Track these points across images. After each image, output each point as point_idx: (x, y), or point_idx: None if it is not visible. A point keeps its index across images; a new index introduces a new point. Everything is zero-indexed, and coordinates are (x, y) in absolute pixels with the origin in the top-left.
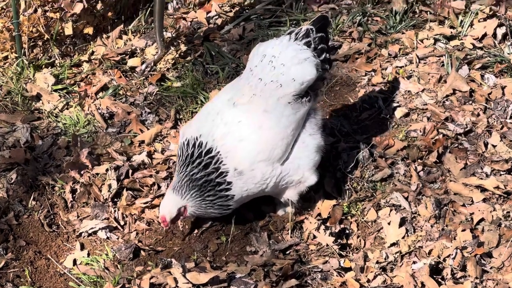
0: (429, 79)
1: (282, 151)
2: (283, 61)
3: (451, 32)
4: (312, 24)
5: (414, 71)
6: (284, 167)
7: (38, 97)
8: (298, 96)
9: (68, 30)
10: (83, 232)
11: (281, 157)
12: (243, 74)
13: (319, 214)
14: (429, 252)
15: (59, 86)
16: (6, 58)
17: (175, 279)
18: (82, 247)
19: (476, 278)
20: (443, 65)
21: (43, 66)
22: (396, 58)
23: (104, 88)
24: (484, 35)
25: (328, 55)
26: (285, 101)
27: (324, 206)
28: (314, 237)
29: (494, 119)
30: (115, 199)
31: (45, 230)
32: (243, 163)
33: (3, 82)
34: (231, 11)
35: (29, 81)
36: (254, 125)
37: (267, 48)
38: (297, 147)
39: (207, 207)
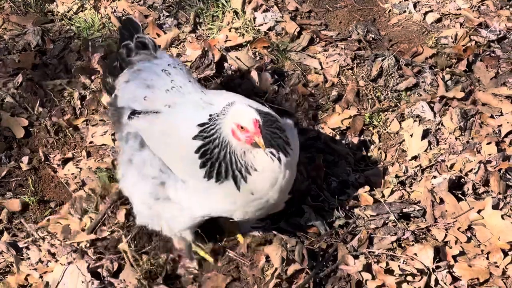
0: None
1: None
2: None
3: None
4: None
5: None
6: None
7: None
8: None
9: None
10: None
11: None
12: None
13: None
14: (451, 166)
15: None
16: None
17: None
18: (89, 155)
19: (499, 193)
20: None
21: None
22: None
23: None
24: None
25: None
26: None
27: (344, 116)
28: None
29: None
30: None
31: (51, 137)
32: None
33: None
34: None
35: None
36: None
37: (157, 67)
38: None
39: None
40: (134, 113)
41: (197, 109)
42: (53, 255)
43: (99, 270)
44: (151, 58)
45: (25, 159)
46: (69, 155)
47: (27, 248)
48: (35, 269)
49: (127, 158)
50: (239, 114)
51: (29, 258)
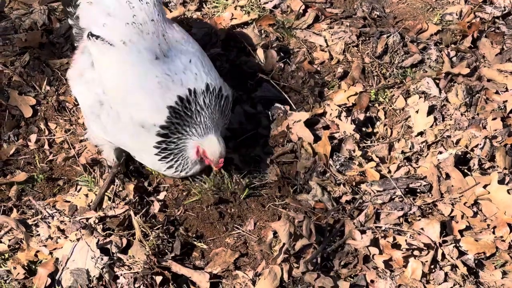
0: None
1: None
2: None
3: None
4: None
5: None
6: None
7: None
8: None
9: None
10: None
11: None
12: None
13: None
14: (457, 142)
15: None
16: None
17: None
18: None
19: (505, 168)
20: None
21: None
22: None
23: None
24: None
25: None
26: None
27: (349, 93)
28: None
29: None
30: None
31: (59, 115)
32: None
33: None
34: None
35: None
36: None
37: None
38: None
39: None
40: (93, 34)
41: (151, 58)
42: (62, 231)
43: (108, 246)
44: None
45: (33, 137)
46: (77, 133)
47: (36, 225)
48: (45, 246)
49: (79, 71)
50: (211, 148)
51: (38, 235)
